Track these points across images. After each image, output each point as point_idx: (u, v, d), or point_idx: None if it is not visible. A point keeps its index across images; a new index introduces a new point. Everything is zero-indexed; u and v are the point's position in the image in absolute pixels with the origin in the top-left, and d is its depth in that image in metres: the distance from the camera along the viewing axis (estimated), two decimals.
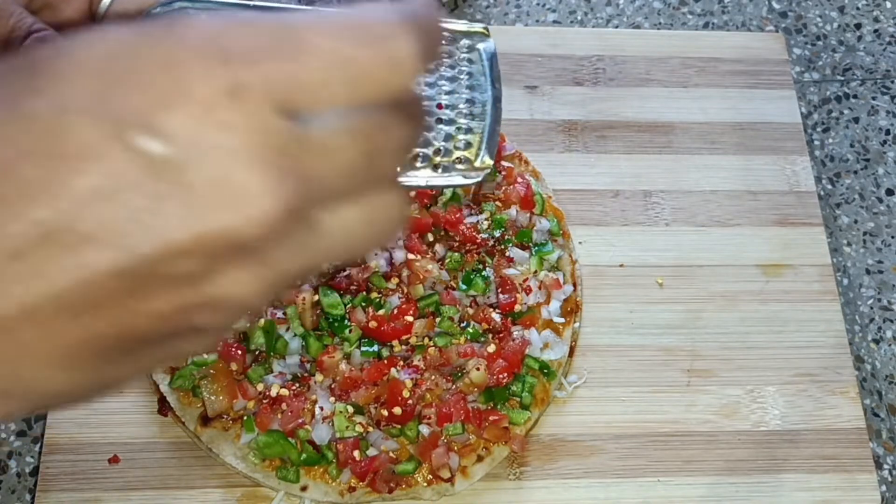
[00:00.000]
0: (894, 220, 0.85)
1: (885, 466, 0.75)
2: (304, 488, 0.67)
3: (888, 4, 0.96)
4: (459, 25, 0.41)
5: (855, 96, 0.91)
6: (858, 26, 0.95)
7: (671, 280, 0.79)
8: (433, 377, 0.69)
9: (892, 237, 0.84)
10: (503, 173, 0.78)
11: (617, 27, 0.92)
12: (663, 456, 0.72)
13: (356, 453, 0.66)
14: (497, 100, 0.40)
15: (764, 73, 0.89)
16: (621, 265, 0.79)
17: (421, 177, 0.37)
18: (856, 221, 0.85)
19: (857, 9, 0.96)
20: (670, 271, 0.79)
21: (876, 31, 0.95)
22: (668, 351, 0.76)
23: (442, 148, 0.38)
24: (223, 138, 0.22)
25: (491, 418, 0.69)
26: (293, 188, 0.23)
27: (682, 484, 0.71)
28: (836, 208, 0.86)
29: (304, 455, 0.67)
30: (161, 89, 0.22)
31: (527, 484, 0.70)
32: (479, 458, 0.68)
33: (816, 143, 0.89)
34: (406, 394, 0.68)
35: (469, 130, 0.39)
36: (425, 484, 0.67)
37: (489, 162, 0.38)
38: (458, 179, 0.37)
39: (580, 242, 0.79)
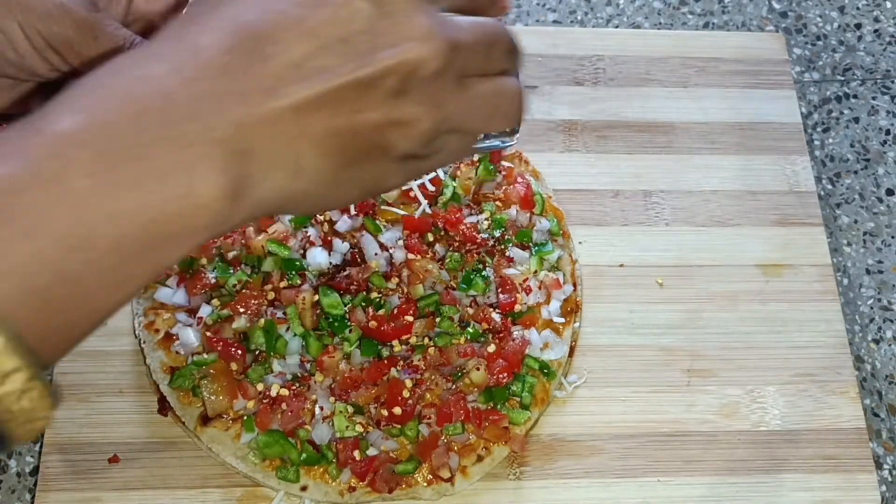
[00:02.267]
0: (894, 220, 0.85)
1: (885, 466, 0.75)
2: (304, 488, 0.67)
3: (888, 4, 0.96)
4: None
5: (855, 96, 0.91)
6: (858, 26, 0.95)
7: (671, 280, 0.79)
8: (433, 377, 0.69)
9: (892, 237, 0.84)
10: (503, 173, 0.78)
11: (617, 27, 0.92)
12: (663, 456, 0.72)
13: (356, 453, 0.66)
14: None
15: (764, 73, 0.89)
16: (621, 265, 0.79)
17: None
18: (856, 221, 0.85)
19: (857, 9, 0.96)
20: (670, 271, 0.79)
21: (876, 31, 0.95)
22: (668, 351, 0.76)
23: None
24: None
25: (491, 418, 0.69)
26: (451, 37, 0.36)
27: (682, 484, 0.71)
28: (836, 208, 0.86)
29: (304, 455, 0.67)
30: None
31: (527, 484, 0.70)
32: (479, 458, 0.68)
33: (816, 143, 0.89)
34: (406, 394, 0.68)
35: None
36: (425, 484, 0.67)
37: (517, 127, 0.44)
38: (495, 143, 0.44)
39: (580, 242, 0.79)
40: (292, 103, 0.33)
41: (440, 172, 0.77)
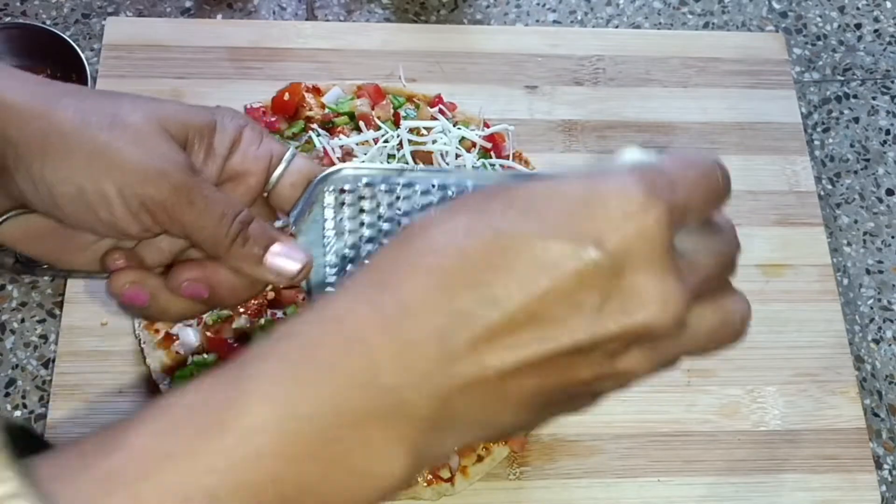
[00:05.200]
0: (894, 220, 0.85)
1: (885, 466, 0.75)
2: None
3: (888, 4, 0.96)
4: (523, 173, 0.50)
5: (855, 96, 0.91)
6: (858, 26, 0.95)
7: None
8: None
9: (892, 237, 0.84)
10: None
11: (617, 27, 0.92)
12: (663, 456, 0.72)
13: None
14: None
15: (764, 73, 0.89)
16: None
17: None
18: (856, 221, 0.85)
19: (857, 9, 0.96)
20: None
21: (876, 31, 0.95)
22: None
23: None
24: (644, 249, 0.31)
25: None
26: (685, 292, 0.32)
27: (682, 484, 0.71)
28: (836, 208, 0.86)
29: None
30: (598, 218, 0.31)
31: (527, 484, 0.70)
32: (479, 458, 0.68)
33: (816, 143, 0.89)
34: None
35: None
36: (425, 484, 0.67)
37: None
38: None
39: None
40: (500, 369, 0.31)
41: None
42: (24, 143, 0.40)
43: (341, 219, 0.45)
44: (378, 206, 0.45)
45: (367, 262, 0.34)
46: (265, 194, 0.46)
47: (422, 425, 0.31)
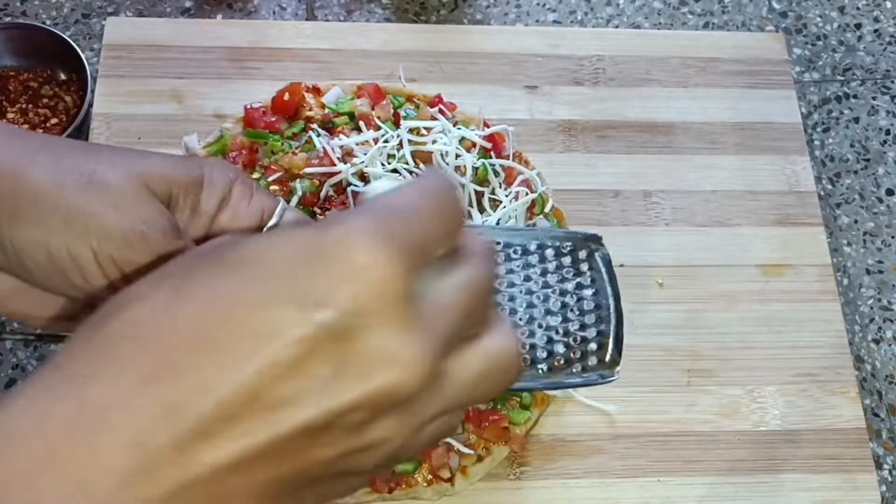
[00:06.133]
0: (894, 220, 0.85)
1: (885, 466, 0.75)
2: None
3: (888, 4, 0.96)
4: (577, 234, 0.47)
5: (855, 96, 0.91)
6: (858, 26, 0.95)
7: (671, 280, 0.79)
8: None
9: (892, 237, 0.84)
10: (503, 173, 0.78)
11: (617, 27, 0.92)
12: (663, 456, 0.72)
13: None
14: (618, 300, 0.45)
15: (764, 73, 0.89)
16: (621, 265, 0.79)
17: (554, 377, 0.42)
18: (856, 221, 0.85)
19: (857, 9, 0.96)
20: (670, 271, 0.79)
21: (876, 31, 0.95)
22: (668, 351, 0.76)
23: (555, 351, 0.43)
24: (380, 303, 0.27)
25: (491, 418, 0.69)
26: (433, 345, 0.28)
27: (682, 484, 0.71)
28: (836, 208, 0.86)
29: None
30: (324, 274, 0.27)
31: (527, 484, 0.70)
32: (479, 458, 0.68)
33: (816, 143, 0.89)
34: None
35: (599, 333, 0.44)
36: (425, 484, 0.67)
37: (618, 358, 0.42)
38: (593, 378, 0.42)
39: None
40: (219, 465, 0.26)
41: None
42: None
43: None
44: None
45: (59, 349, 0.29)
46: None
47: None
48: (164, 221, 0.39)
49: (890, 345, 0.80)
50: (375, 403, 0.28)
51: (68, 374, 0.27)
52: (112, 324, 0.28)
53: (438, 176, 0.32)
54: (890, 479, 0.74)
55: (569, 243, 0.46)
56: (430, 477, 0.67)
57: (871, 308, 0.81)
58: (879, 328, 0.80)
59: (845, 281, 0.82)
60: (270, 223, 0.43)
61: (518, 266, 0.44)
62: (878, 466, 0.74)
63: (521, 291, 0.44)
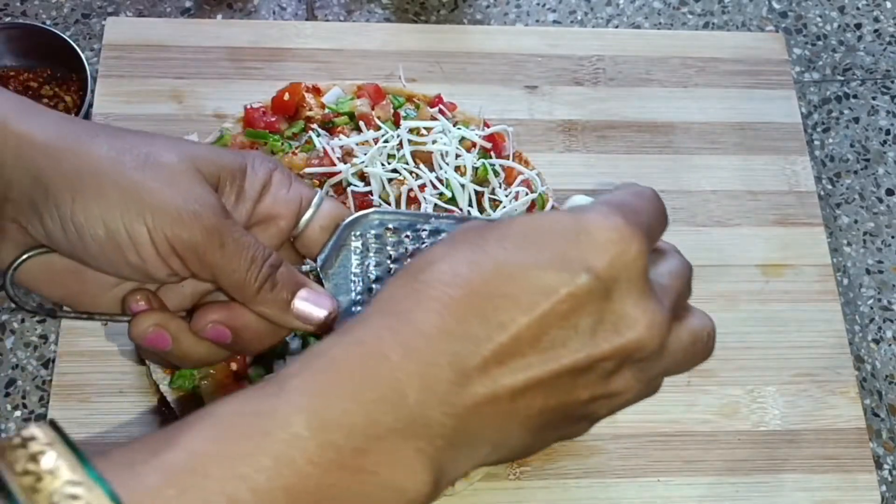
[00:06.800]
0: (894, 220, 0.85)
1: (885, 466, 0.75)
2: None
3: (888, 4, 0.96)
4: None
5: (855, 96, 0.91)
6: (858, 26, 0.95)
7: None
8: None
9: (892, 237, 0.84)
10: (503, 173, 0.78)
11: (617, 27, 0.92)
12: (663, 456, 0.72)
13: None
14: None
15: (764, 73, 0.89)
16: None
17: None
18: (856, 221, 0.85)
19: (857, 9, 0.96)
20: None
21: (876, 31, 0.95)
22: None
23: None
24: (629, 273, 0.34)
25: None
26: (667, 314, 0.36)
27: (682, 484, 0.71)
28: (836, 208, 0.86)
29: None
30: (586, 247, 0.34)
31: (527, 484, 0.70)
32: None
33: (816, 143, 0.89)
34: None
35: None
36: None
37: None
38: None
39: None
40: (511, 388, 0.33)
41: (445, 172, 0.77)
42: (56, 181, 0.39)
43: (368, 264, 0.46)
44: (406, 251, 0.46)
45: (377, 295, 0.36)
46: (292, 238, 0.46)
47: (441, 443, 0.33)
48: (213, 201, 0.42)
49: (890, 345, 0.80)
50: (624, 355, 0.35)
51: (396, 310, 0.34)
52: (423, 275, 0.34)
53: (643, 187, 0.40)
54: (890, 479, 0.74)
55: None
56: None
57: (871, 308, 0.81)
58: (879, 328, 0.80)
59: (845, 281, 0.82)
60: (309, 211, 0.46)
61: None
62: (878, 466, 0.74)
63: None
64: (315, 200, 0.46)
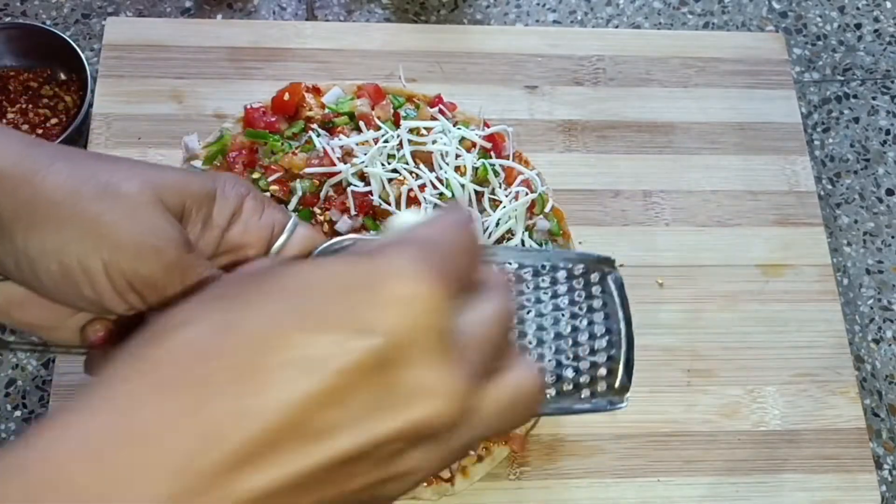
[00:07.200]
0: (894, 220, 0.85)
1: (885, 466, 0.75)
2: None
3: (888, 4, 0.96)
4: (589, 257, 0.46)
5: (855, 96, 0.91)
6: (858, 26, 0.95)
7: (671, 280, 0.79)
8: None
9: (892, 237, 0.84)
10: (503, 173, 0.78)
11: (617, 27, 0.92)
12: (663, 456, 0.72)
13: None
14: (629, 325, 0.44)
15: (764, 73, 0.89)
16: (621, 265, 0.79)
17: (562, 402, 0.41)
18: (856, 221, 0.85)
19: (857, 9, 0.96)
20: (670, 271, 0.79)
21: (876, 31, 0.95)
22: (668, 351, 0.76)
23: (564, 375, 0.42)
24: (421, 334, 0.28)
25: None
26: (469, 379, 0.29)
27: (682, 484, 0.71)
28: (836, 208, 0.86)
29: None
30: (368, 303, 0.28)
31: (527, 484, 0.70)
32: (479, 458, 0.68)
33: (816, 143, 0.89)
34: None
35: (609, 357, 0.43)
36: (425, 484, 0.67)
37: (627, 384, 0.41)
38: (602, 404, 0.41)
39: (580, 242, 0.79)
40: (258, 494, 0.26)
41: (446, 172, 0.77)
42: (9, 212, 0.37)
43: None
44: None
45: (110, 366, 0.29)
46: None
47: None
48: (175, 234, 0.39)
49: (890, 345, 0.80)
50: (414, 434, 0.28)
51: (115, 395, 0.27)
52: (161, 346, 0.28)
53: (461, 210, 0.33)
54: (890, 479, 0.74)
55: (581, 265, 0.45)
56: (430, 477, 0.67)
57: (871, 308, 0.81)
58: (879, 328, 0.80)
59: (845, 281, 0.82)
60: (281, 238, 0.43)
61: (529, 287, 0.44)
62: (878, 466, 0.74)
63: (530, 313, 0.43)
64: (288, 226, 0.44)
